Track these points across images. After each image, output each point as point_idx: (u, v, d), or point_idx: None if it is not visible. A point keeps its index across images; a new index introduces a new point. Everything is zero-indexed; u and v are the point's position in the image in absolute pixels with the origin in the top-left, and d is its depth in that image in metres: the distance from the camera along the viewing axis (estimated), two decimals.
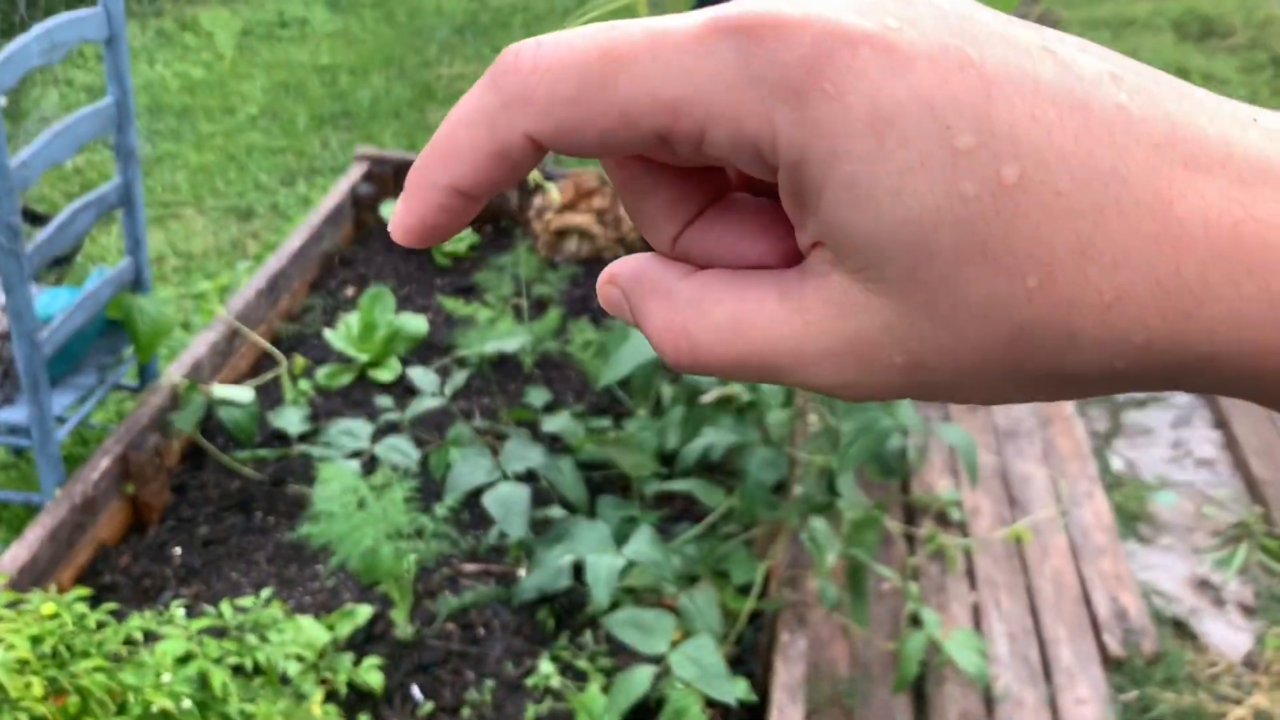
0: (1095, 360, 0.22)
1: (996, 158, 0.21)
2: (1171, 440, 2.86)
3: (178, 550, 2.12)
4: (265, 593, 1.71)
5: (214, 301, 2.81)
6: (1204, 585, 2.39)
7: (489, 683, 1.87)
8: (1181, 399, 3.04)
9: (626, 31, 0.23)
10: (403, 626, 1.94)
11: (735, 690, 1.64)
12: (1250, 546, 2.48)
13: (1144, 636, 2.20)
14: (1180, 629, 2.27)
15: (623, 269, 0.28)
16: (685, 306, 0.26)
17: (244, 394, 2.33)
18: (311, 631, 1.72)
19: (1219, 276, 0.21)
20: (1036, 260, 0.21)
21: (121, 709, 1.41)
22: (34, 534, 1.92)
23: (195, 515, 2.21)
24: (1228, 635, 2.26)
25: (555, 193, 2.35)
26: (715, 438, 1.73)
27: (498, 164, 0.25)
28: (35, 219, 2.32)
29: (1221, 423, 2.90)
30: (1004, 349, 0.23)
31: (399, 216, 0.27)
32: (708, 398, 1.71)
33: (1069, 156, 0.21)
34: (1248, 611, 2.32)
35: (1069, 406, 2.92)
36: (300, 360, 2.61)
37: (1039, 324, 0.22)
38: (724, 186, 0.28)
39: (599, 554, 1.74)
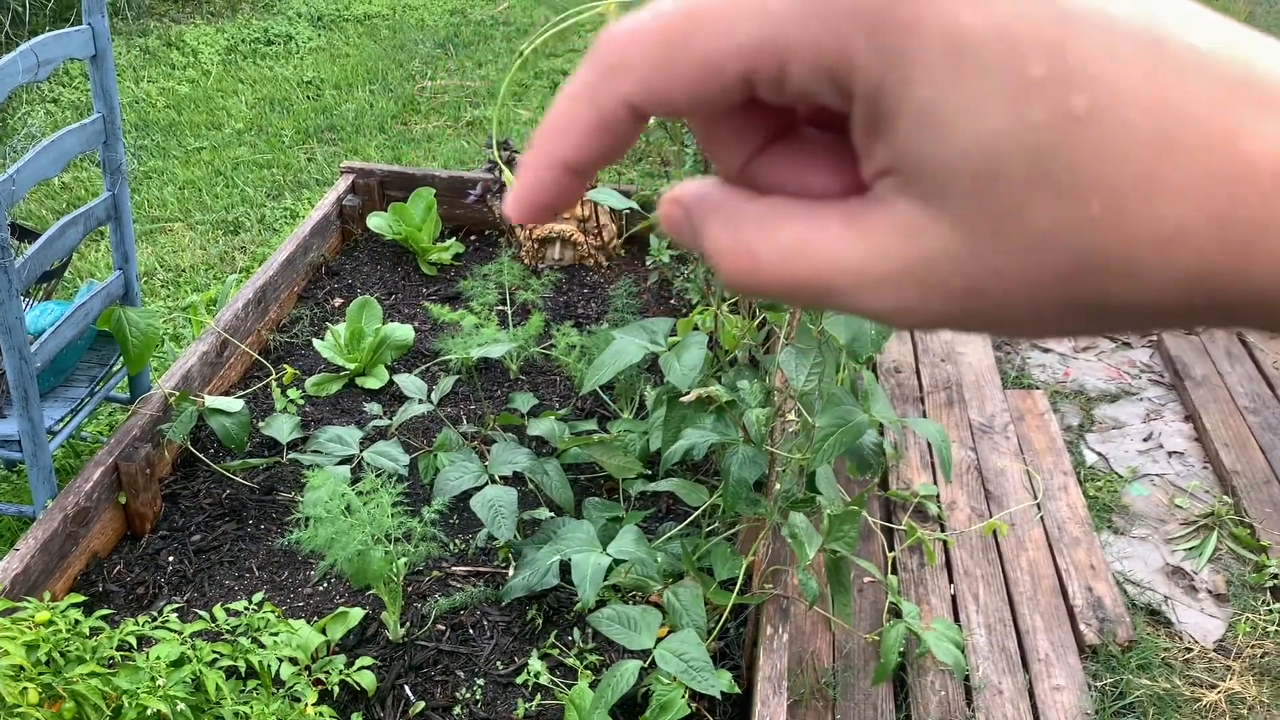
0: (1152, 292, 0.23)
1: (1066, 88, 0.22)
2: (1143, 433, 2.91)
3: (170, 559, 2.16)
4: (257, 597, 1.75)
5: (203, 313, 2.85)
6: (1177, 573, 2.44)
7: (479, 681, 1.91)
8: (1153, 392, 3.10)
9: None
10: (394, 628, 1.98)
11: (719, 683, 1.68)
12: (1221, 535, 2.54)
13: (1119, 625, 2.25)
14: (1154, 617, 2.32)
15: (688, 190, 0.28)
16: (751, 226, 0.26)
17: (234, 404, 2.37)
18: (305, 634, 1.76)
19: None
20: (1101, 189, 0.22)
21: (116, 713, 1.44)
22: (26, 545, 1.95)
23: (188, 524, 2.25)
24: (1201, 622, 2.31)
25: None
26: (696, 438, 1.77)
27: (601, 136, 0.26)
28: (24, 235, 2.36)
29: (1191, 415, 2.96)
30: (1063, 277, 0.23)
31: (514, 193, 0.28)
32: (687, 398, 1.76)
33: (1140, 90, 0.22)
34: (1219, 599, 2.38)
35: (1043, 402, 2.98)
36: (289, 370, 2.65)
37: (1099, 253, 0.22)
38: (792, 121, 0.28)
39: (585, 553, 1.78)
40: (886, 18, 0.23)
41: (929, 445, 2.76)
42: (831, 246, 0.25)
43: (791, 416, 1.90)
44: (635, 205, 2.28)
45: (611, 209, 3.19)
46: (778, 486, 1.87)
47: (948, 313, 0.25)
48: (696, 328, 2.34)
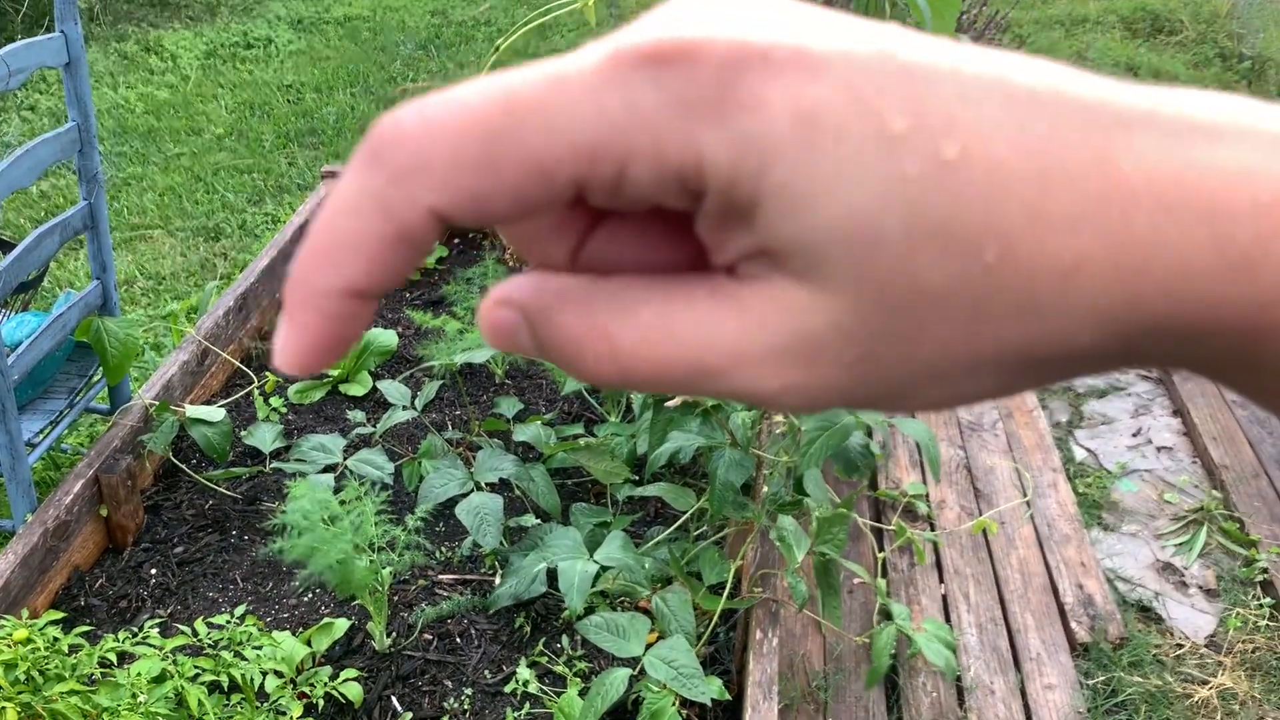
0: (1057, 334, 0.22)
1: (933, 136, 0.21)
2: (1132, 429, 2.91)
3: (153, 571, 2.13)
4: (240, 610, 1.73)
5: (184, 322, 2.82)
6: (1167, 569, 2.44)
7: (467, 691, 1.89)
8: (1141, 387, 3.10)
9: (525, 80, 0.22)
10: (380, 638, 1.96)
11: (709, 689, 1.67)
12: (1210, 530, 2.54)
13: (1110, 622, 2.25)
14: (1145, 613, 2.31)
15: (517, 287, 0.25)
16: (604, 309, 0.24)
17: (216, 413, 2.34)
18: (289, 646, 1.74)
19: (1168, 226, 0.21)
20: (991, 233, 0.21)
21: None
22: (5, 560, 1.92)
23: (170, 535, 2.22)
24: (1191, 618, 2.31)
25: None
26: (683, 441, 1.76)
27: (398, 250, 0.23)
28: (0, 245, 2.33)
29: (1180, 410, 2.96)
30: (963, 331, 0.22)
31: (285, 342, 0.24)
32: (673, 402, 1.74)
33: (1006, 129, 0.21)
34: (1210, 594, 2.37)
35: (1031, 399, 2.97)
36: (272, 378, 2.62)
37: (999, 299, 0.21)
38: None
39: (571, 561, 1.76)
40: (729, 103, 0.21)
41: (917, 444, 2.76)
42: (701, 323, 0.23)
43: (779, 419, 1.89)
44: None
45: None
46: (765, 489, 1.86)
47: (841, 387, 0.23)
48: None
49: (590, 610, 1.87)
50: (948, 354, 0.22)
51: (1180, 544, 2.50)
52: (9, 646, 1.40)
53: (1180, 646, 2.22)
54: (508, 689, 1.89)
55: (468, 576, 2.14)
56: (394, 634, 1.99)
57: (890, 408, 0.24)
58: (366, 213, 0.22)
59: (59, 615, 1.53)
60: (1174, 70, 4.90)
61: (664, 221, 0.25)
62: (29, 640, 1.43)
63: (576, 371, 0.24)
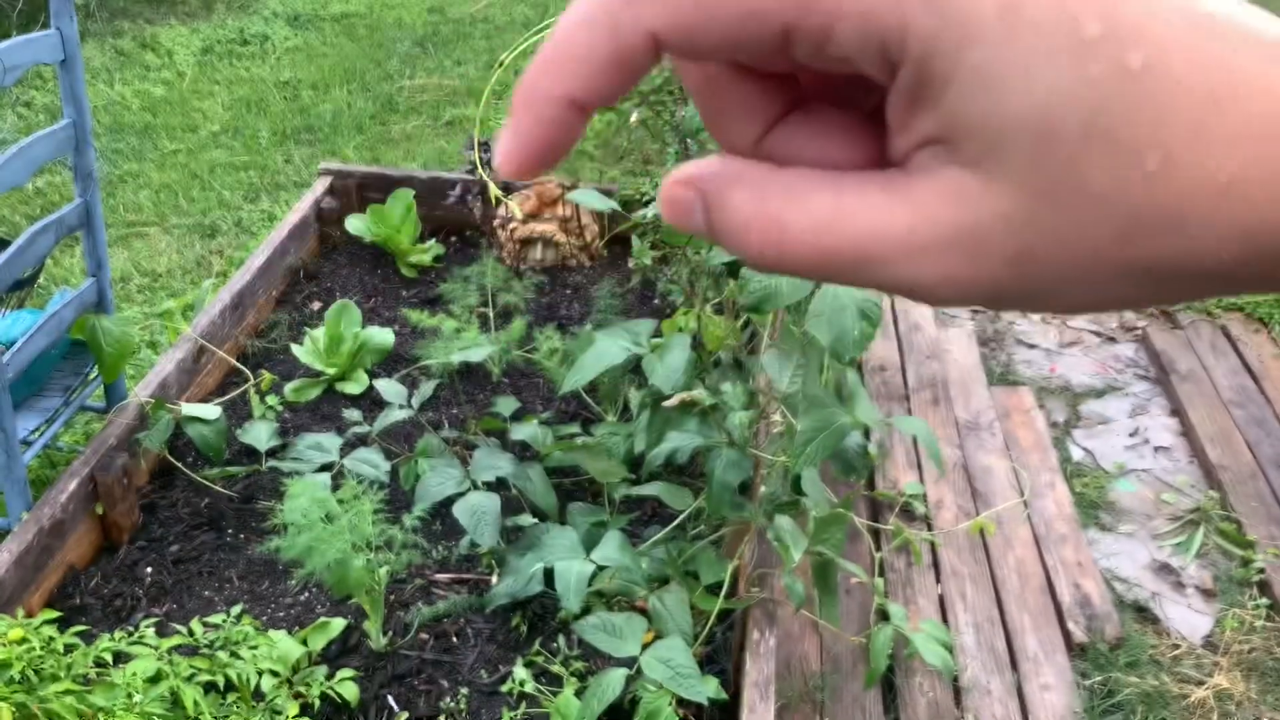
0: (1205, 249, 0.23)
1: (1121, 45, 0.22)
2: (1129, 429, 2.91)
3: (149, 570, 2.12)
4: (236, 609, 1.72)
5: (179, 320, 2.81)
6: (1164, 570, 2.44)
7: (464, 690, 1.89)
8: (1139, 387, 3.10)
9: None
10: (376, 638, 1.95)
11: (706, 689, 1.67)
12: (1207, 531, 2.54)
13: (1107, 622, 2.25)
14: (1142, 613, 2.31)
15: (699, 168, 0.27)
16: (778, 196, 0.25)
17: (212, 411, 2.33)
18: (285, 646, 1.73)
19: None
20: (1156, 143, 0.22)
21: None
22: (0, 560, 1.91)
23: (166, 534, 2.21)
24: (1188, 618, 2.30)
25: (515, 207, 2.37)
26: (680, 441, 1.75)
27: (618, 71, 0.24)
28: None
29: (1178, 411, 2.96)
30: (1117, 236, 0.23)
31: (506, 143, 0.26)
32: (670, 402, 1.74)
33: (1187, 48, 0.22)
34: (1207, 594, 2.37)
35: (1028, 399, 2.97)
36: (268, 376, 2.62)
37: (1154, 208, 0.22)
38: (798, 97, 0.28)
39: (568, 560, 1.76)
40: None
41: (914, 444, 2.75)
42: (870, 214, 0.24)
43: (777, 418, 1.88)
44: (617, 206, 2.25)
45: (594, 211, 3.17)
46: (762, 489, 1.85)
47: (999, 280, 0.24)
48: (681, 329, 2.32)
49: (587, 610, 1.86)
50: (1100, 257, 0.23)
51: (1177, 544, 2.50)
52: (4, 646, 1.40)
53: (1177, 647, 2.22)
54: (504, 689, 1.88)
55: (464, 576, 2.14)
56: (390, 633, 1.98)
57: (1034, 306, 0.25)
58: (598, 26, 0.24)
59: (54, 614, 1.53)
60: None
61: (843, 123, 0.27)
62: (24, 640, 1.42)
63: (741, 252, 0.26)
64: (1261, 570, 2.39)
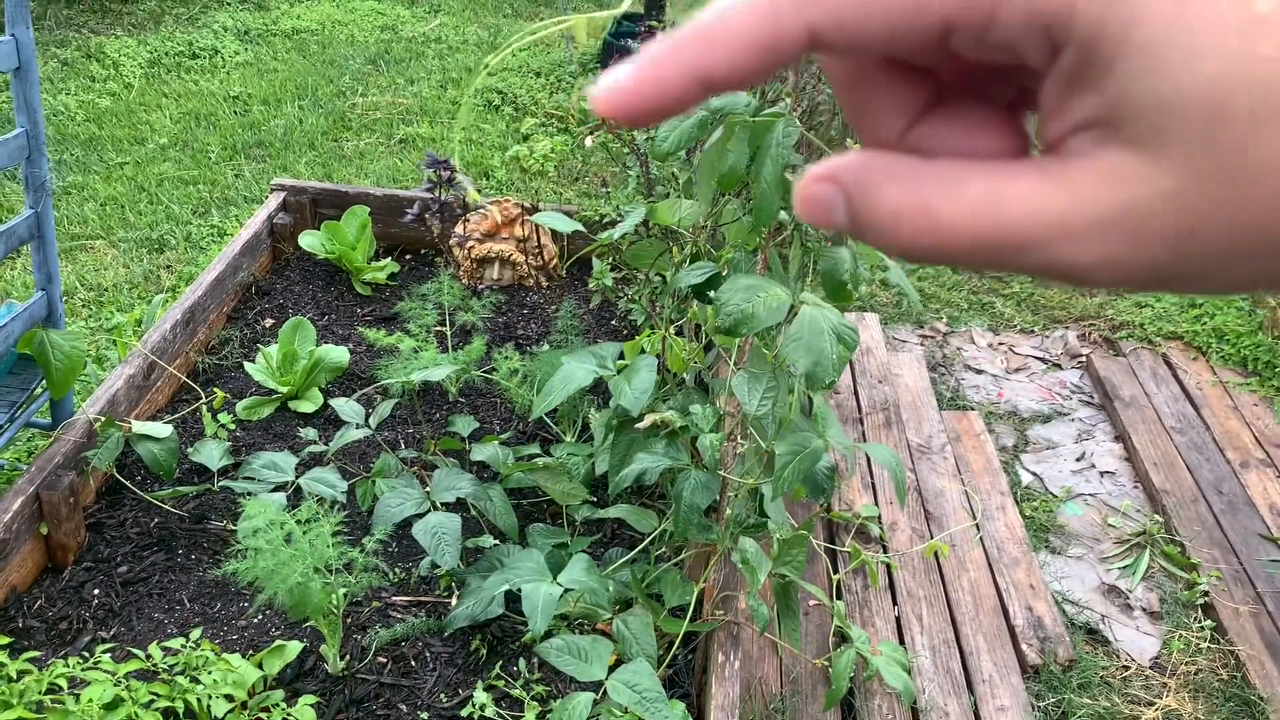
0: None
1: None
2: (1076, 453, 2.97)
3: (96, 591, 2.06)
4: (195, 634, 1.68)
5: (129, 335, 2.75)
6: (1112, 592, 2.49)
7: (423, 715, 1.86)
8: (1084, 413, 3.17)
9: None
10: (334, 661, 1.92)
11: (673, 714, 1.66)
12: (1153, 554, 2.60)
13: (1059, 644, 2.28)
14: (1093, 635, 2.36)
15: (841, 164, 0.27)
16: (928, 184, 0.25)
17: (163, 430, 2.28)
18: (242, 670, 1.69)
19: None
20: None
21: None
22: None
23: (113, 555, 2.15)
24: (1136, 640, 2.35)
25: (474, 192, 2.36)
26: (649, 462, 1.75)
27: (764, 56, 0.25)
28: None
29: (1121, 436, 3.03)
30: None
31: (619, 83, 0.26)
32: (642, 424, 1.74)
33: None
34: (1154, 616, 2.43)
35: (978, 424, 3.02)
36: (220, 394, 2.57)
37: None
38: (939, 91, 0.28)
39: (535, 583, 1.74)
40: None
41: (868, 465, 2.78)
42: (1027, 198, 0.24)
43: (741, 441, 1.89)
44: (580, 227, 2.25)
45: (552, 232, 3.17)
46: (728, 511, 1.86)
47: (1154, 262, 0.24)
48: (644, 351, 2.33)
49: (549, 633, 1.85)
50: (1266, 235, 0.23)
51: (1124, 567, 2.56)
52: None
53: (1126, 668, 2.27)
54: (464, 713, 1.86)
55: (422, 598, 2.11)
56: (347, 656, 1.95)
57: (1189, 286, 0.25)
58: (758, 12, 0.24)
59: (3, 640, 1.48)
60: None
61: (983, 116, 0.27)
62: None
63: (889, 244, 0.26)
64: (1205, 593, 2.45)
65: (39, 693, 1.41)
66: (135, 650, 1.61)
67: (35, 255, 2.19)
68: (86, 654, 1.58)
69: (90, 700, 1.41)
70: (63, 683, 1.44)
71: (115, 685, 1.44)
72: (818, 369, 1.34)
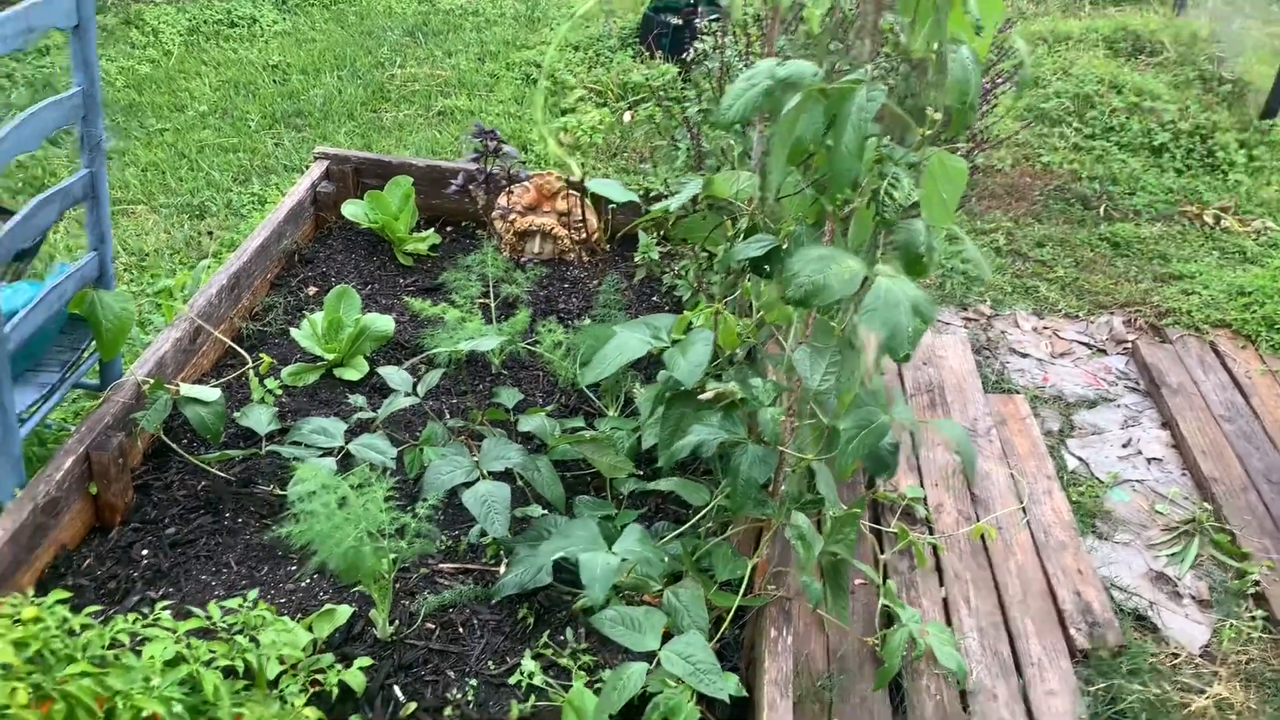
0: None
1: None
2: (1122, 439, 2.94)
3: (144, 552, 2.07)
4: (252, 594, 1.68)
5: (175, 299, 2.75)
6: (1161, 579, 2.46)
7: (471, 681, 1.85)
8: (1130, 399, 3.12)
9: None
10: (383, 626, 1.91)
11: (727, 685, 1.65)
12: (1202, 542, 2.56)
13: (1108, 629, 2.26)
14: (1141, 622, 2.33)
15: None
16: None
17: (211, 393, 2.28)
18: (295, 633, 1.69)
19: None
20: None
21: (109, 714, 1.37)
22: None
23: (161, 516, 2.16)
24: (1186, 628, 2.32)
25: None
26: (705, 435, 1.74)
27: None
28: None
29: (1168, 423, 2.99)
30: None
31: None
32: (705, 395, 1.72)
33: None
34: (1203, 605, 2.40)
35: (1023, 407, 2.99)
36: (266, 359, 2.57)
37: None
38: None
39: (593, 552, 1.73)
40: None
41: (913, 447, 2.76)
42: None
43: (798, 416, 1.87)
44: (634, 196, 2.23)
45: (594, 205, 3.15)
46: (784, 487, 1.84)
47: None
48: (691, 325, 2.30)
49: (603, 604, 1.84)
50: None
51: (1173, 554, 2.53)
52: (20, 625, 1.35)
53: (1176, 656, 2.24)
54: (512, 680, 1.85)
55: (469, 566, 2.10)
56: (395, 622, 1.95)
57: None
58: None
59: (64, 595, 1.48)
60: (1156, 90, 4.96)
61: None
62: (38, 619, 1.38)
63: None
64: (1257, 583, 2.42)
65: (101, 647, 1.41)
66: (195, 609, 1.61)
67: (89, 215, 2.18)
68: (145, 610, 1.58)
69: (152, 657, 1.41)
70: (124, 638, 1.44)
71: (176, 643, 1.44)
72: (893, 341, 1.32)
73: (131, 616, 1.50)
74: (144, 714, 1.36)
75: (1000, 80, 3.08)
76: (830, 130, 1.39)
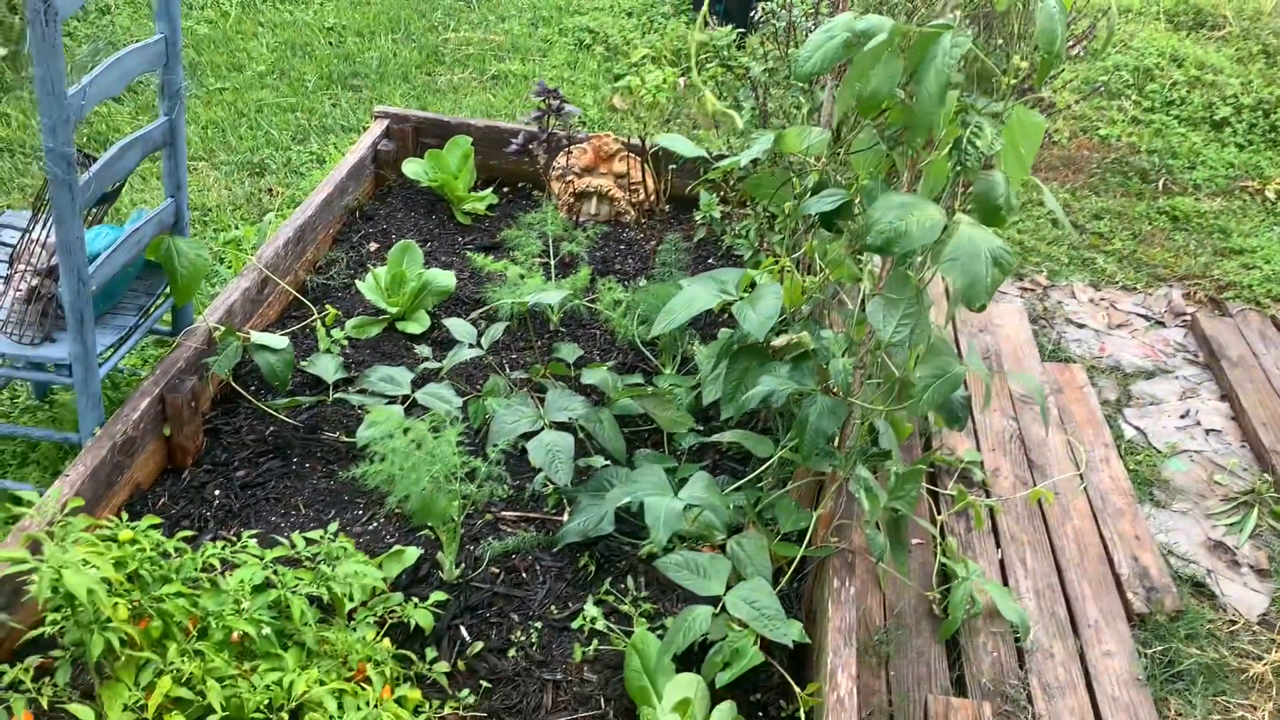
0: None
1: None
2: (1180, 410, 2.92)
3: (216, 493, 2.12)
4: (332, 526, 1.72)
5: (246, 249, 2.80)
6: (1219, 548, 2.45)
7: (535, 625, 1.89)
8: (1188, 371, 3.10)
9: None
10: (449, 569, 1.96)
11: (791, 632, 1.67)
12: (1261, 512, 2.55)
13: (1166, 594, 2.26)
14: (1199, 589, 2.33)
15: None
16: None
17: (279, 341, 2.32)
18: (369, 569, 1.73)
19: None
20: None
21: (202, 634, 1.41)
22: (76, 472, 1.91)
23: (230, 460, 2.21)
24: (1244, 596, 2.32)
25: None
26: (775, 385, 1.75)
27: None
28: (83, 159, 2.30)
29: (1228, 395, 2.97)
30: None
31: None
32: (778, 342, 1.73)
33: None
34: (1262, 574, 2.39)
35: (1080, 376, 2.97)
36: (332, 310, 2.61)
37: None
38: None
39: (658, 497, 1.76)
40: None
41: (970, 411, 2.76)
42: None
43: (868, 368, 1.88)
44: (703, 152, 2.24)
45: (654, 167, 3.16)
46: (850, 441, 1.86)
47: None
48: (754, 283, 2.32)
49: (668, 549, 1.87)
50: None
51: (1231, 524, 2.52)
52: (115, 546, 1.40)
53: (1234, 623, 2.24)
54: (574, 625, 1.89)
55: (530, 515, 2.14)
56: (461, 565, 1.99)
57: None
58: None
59: (157, 520, 1.53)
60: (1219, 64, 4.88)
61: None
62: (134, 541, 1.42)
63: None
64: None
65: (194, 570, 1.45)
66: (280, 538, 1.66)
67: (166, 162, 2.23)
68: (235, 538, 1.63)
69: (242, 581, 1.45)
70: (216, 562, 1.49)
71: (264, 569, 1.49)
72: (972, 291, 1.33)
73: (220, 543, 1.55)
74: (234, 634, 1.41)
75: (1071, 45, 3.04)
76: (912, 77, 1.39)
